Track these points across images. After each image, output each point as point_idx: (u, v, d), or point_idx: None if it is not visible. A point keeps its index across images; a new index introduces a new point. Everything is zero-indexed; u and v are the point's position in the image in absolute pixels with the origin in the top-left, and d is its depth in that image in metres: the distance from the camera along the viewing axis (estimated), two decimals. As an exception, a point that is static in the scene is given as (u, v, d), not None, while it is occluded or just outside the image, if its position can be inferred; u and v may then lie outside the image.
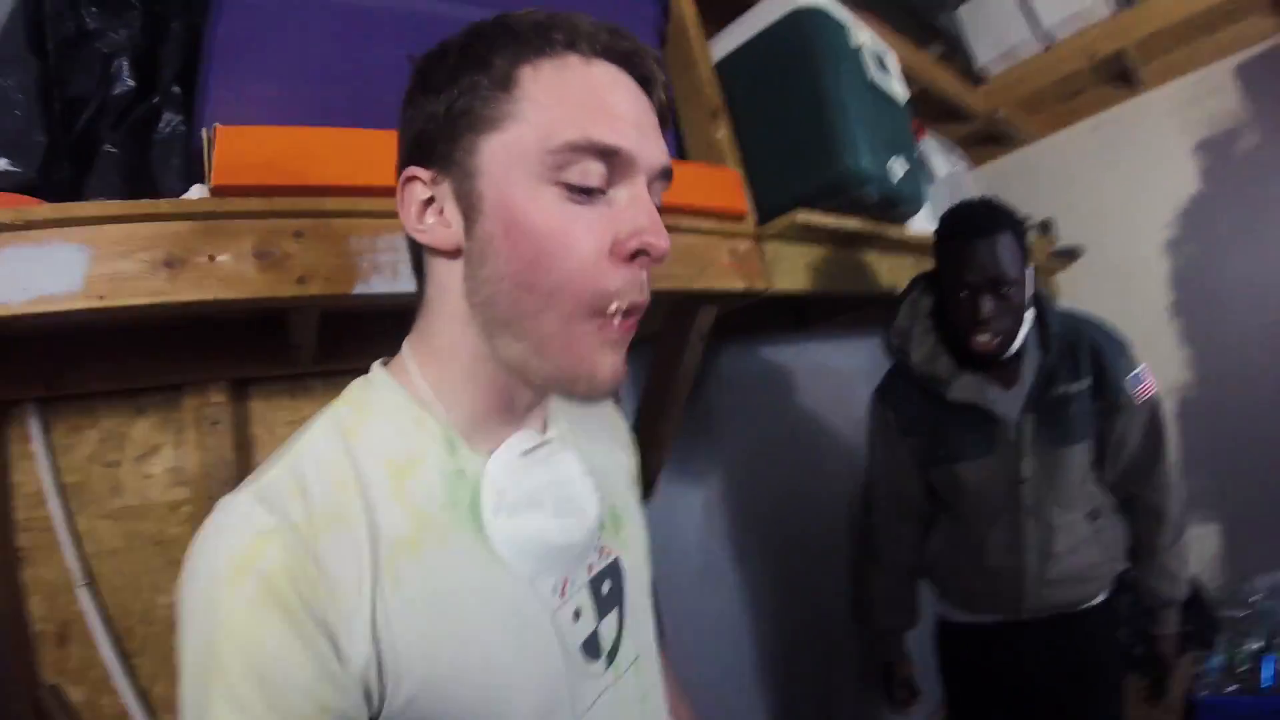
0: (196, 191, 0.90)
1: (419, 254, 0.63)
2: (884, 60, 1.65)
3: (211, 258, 0.84)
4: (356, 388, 0.63)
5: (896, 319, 1.64)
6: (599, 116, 0.55)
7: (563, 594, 0.62)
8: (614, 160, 0.55)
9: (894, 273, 1.94)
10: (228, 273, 0.84)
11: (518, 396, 0.62)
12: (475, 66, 0.56)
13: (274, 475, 0.55)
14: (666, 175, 0.61)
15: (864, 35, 1.59)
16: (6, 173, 0.95)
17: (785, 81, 1.49)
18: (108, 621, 1.19)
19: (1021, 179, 3.28)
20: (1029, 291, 1.46)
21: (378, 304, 0.96)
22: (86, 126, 1.07)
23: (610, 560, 0.68)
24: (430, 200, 0.59)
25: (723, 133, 1.48)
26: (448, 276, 0.60)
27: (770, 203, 1.48)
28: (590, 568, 0.66)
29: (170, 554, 1.26)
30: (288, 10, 0.98)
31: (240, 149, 0.86)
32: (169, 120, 1.12)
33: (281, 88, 0.97)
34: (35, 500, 1.17)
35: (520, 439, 0.62)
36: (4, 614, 1.11)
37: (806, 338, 2.33)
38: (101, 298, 0.80)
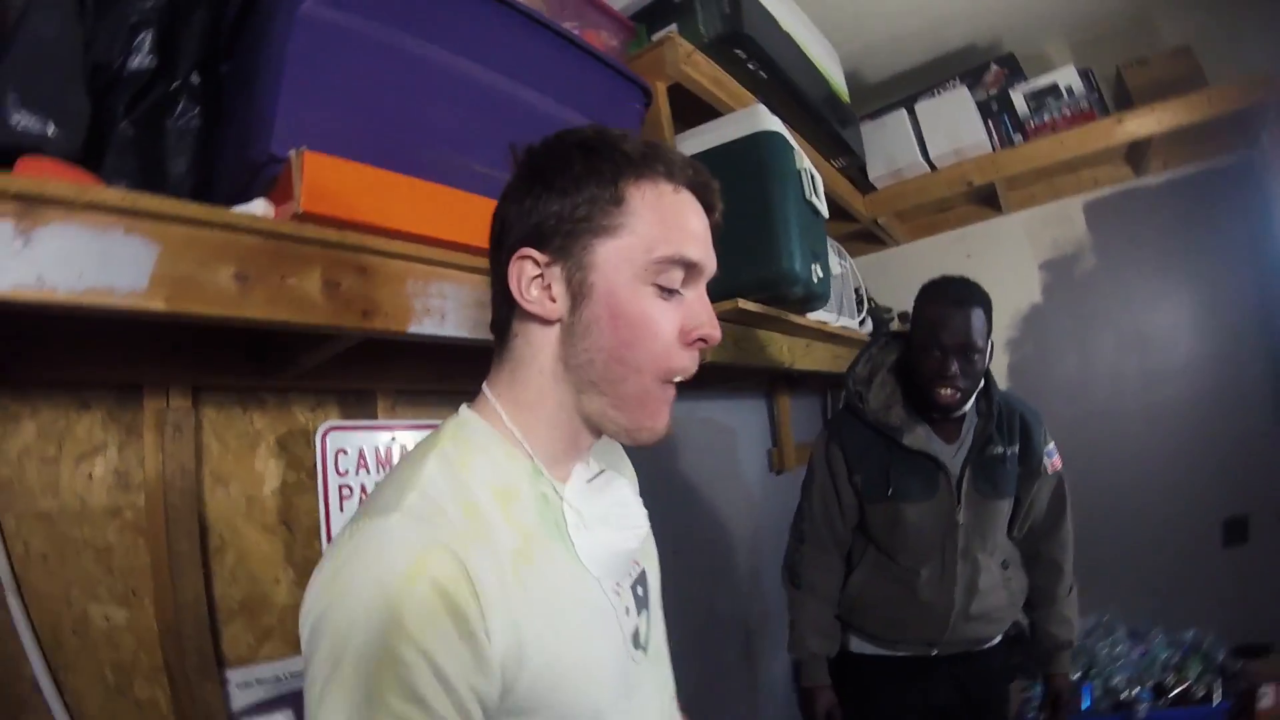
0: (261, 206, 0.91)
1: (509, 316, 0.75)
2: (815, 181, 1.92)
3: (284, 279, 0.86)
4: (453, 427, 0.74)
5: (856, 367, 1.85)
6: (686, 237, 0.71)
7: (618, 594, 0.76)
8: (691, 269, 0.72)
9: (792, 351, 2.19)
10: (299, 296, 0.87)
11: (582, 439, 0.76)
12: (596, 181, 0.70)
13: (412, 501, 0.64)
14: (714, 273, 0.77)
15: (805, 160, 1.87)
16: (50, 139, 0.88)
17: (742, 189, 1.72)
18: (35, 632, 1.09)
19: (889, 274, 3.63)
20: (987, 363, 1.67)
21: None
22: (102, 98, 1.02)
23: (640, 570, 0.84)
24: (538, 276, 0.71)
25: None
26: (542, 340, 0.73)
27: (713, 288, 1.67)
28: (631, 574, 0.81)
29: (107, 562, 1.19)
30: (359, 45, 1.02)
31: (325, 178, 0.90)
32: (186, 110, 1.11)
33: (343, 120, 1.01)
34: None
35: (582, 470, 0.77)
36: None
37: (698, 396, 2.51)
38: (167, 301, 0.78)
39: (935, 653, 1.78)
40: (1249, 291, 2.90)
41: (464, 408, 0.76)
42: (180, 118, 1.11)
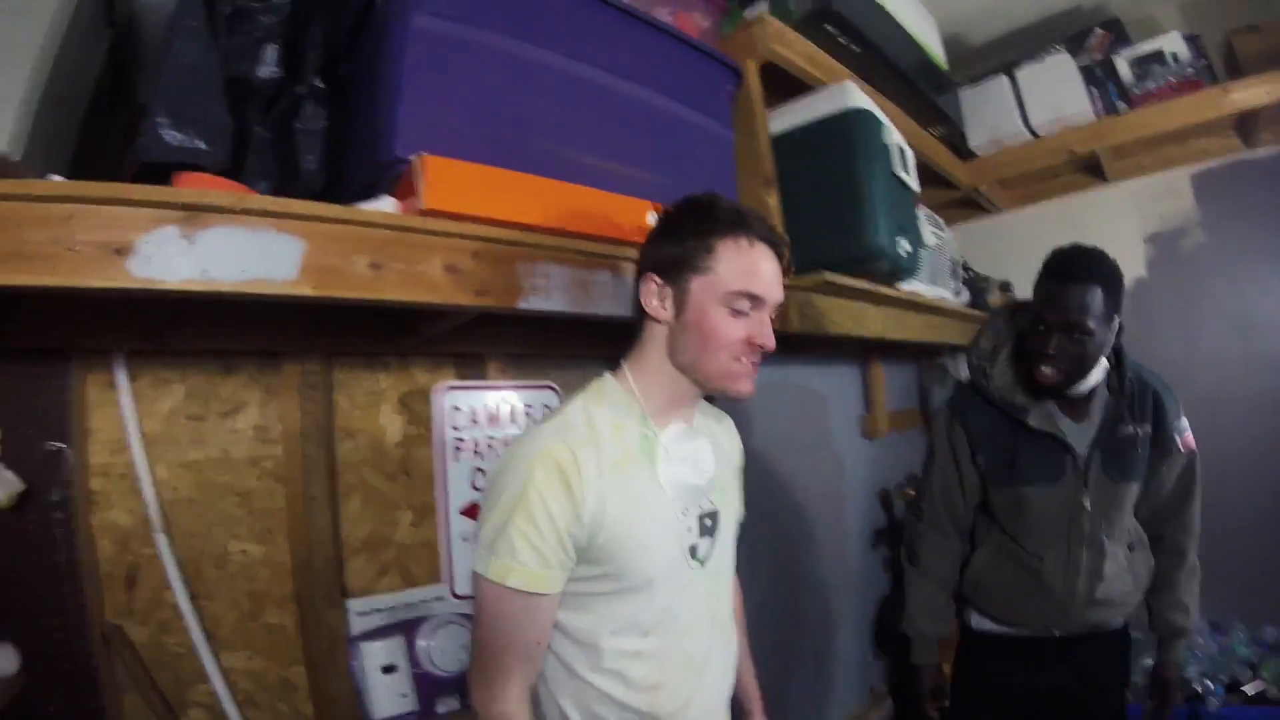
0: (389, 204, 1.04)
1: (641, 314, 1.06)
2: (905, 155, 1.92)
3: (410, 265, 0.99)
4: (596, 384, 1.08)
5: (979, 341, 1.77)
6: (754, 278, 1.01)
7: (684, 515, 1.07)
8: (755, 299, 1.01)
9: (885, 322, 2.20)
10: (424, 279, 1.00)
11: (683, 400, 1.09)
12: (696, 235, 1.01)
13: (556, 421, 1.01)
14: (779, 304, 1.06)
15: (895, 135, 1.86)
16: (202, 152, 1.02)
17: (829, 165, 1.77)
18: (180, 565, 1.27)
19: (989, 242, 3.61)
20: (1110, 342, 1.57)
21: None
22: (237, 107, 1.15)
23: (713, 509, 1.13)
24: (657, 293, 1.04)
25: (773, 199, 1.75)
26: (658, 333, 1.06)
27: (801, 260, 1.71)
28: (701, 507, 1.10)
29: (247, 505, 1.36)
30: (468, 52, 1.13)
31: (445, 178, 1.02)
32: (313, 113, 1.24)
33: (459, 121, 1.12)
34: (117, 447, 1.24)
35: (678, 425, 1.09)
36: (73, 555, 1.17)
37: (792, 361, 2.55)
38: (315, 287, 0.92)
39: (1057, 634, 1.71)
40: None
41: (606, 374, 1.09)
42: (308, 120, 1.25)
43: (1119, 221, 3.25)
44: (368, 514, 1.52)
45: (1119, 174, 3.22)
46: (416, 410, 1.59)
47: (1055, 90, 2.99)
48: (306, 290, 0.92)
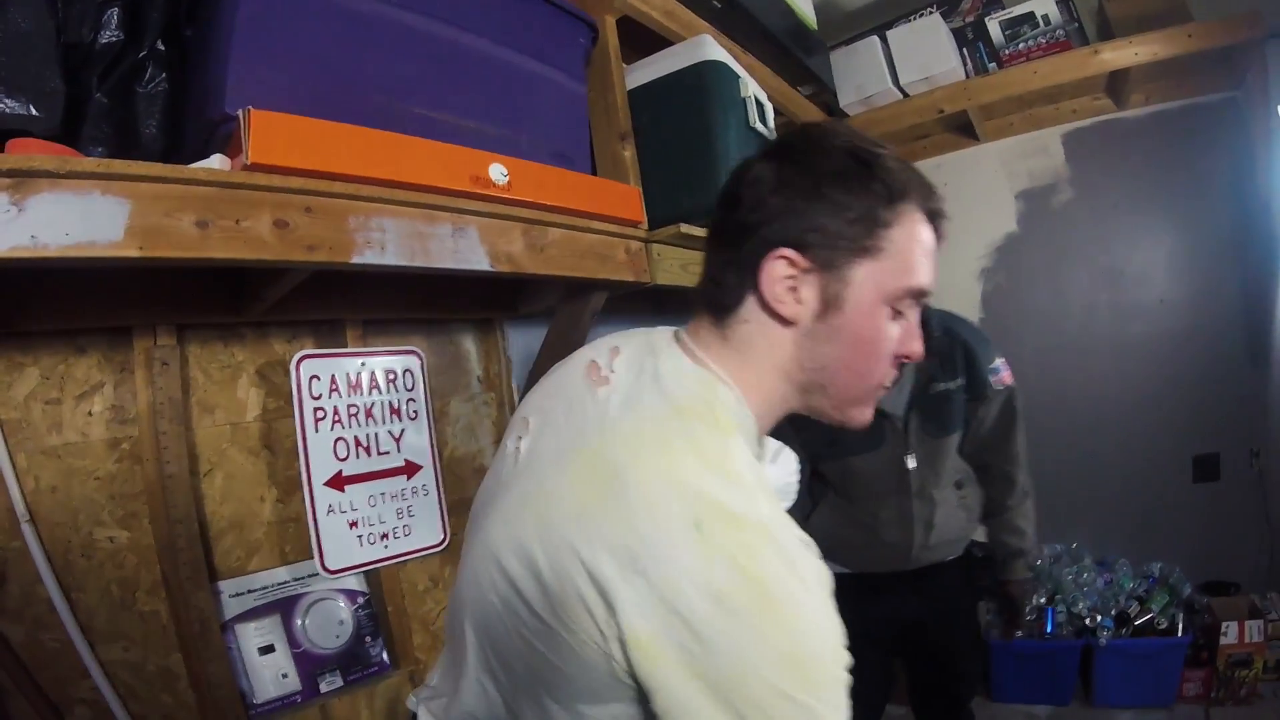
0: (217, 161, 1.03)
1: (742, 299, 0.77)
2: (764, 109, 1.96)
3: (237, 222, 0.98)
4: (708, 400, 0.72)
5: None
6: (928, 271, 0.76)
7: None
8: (923, 295, 0.77)
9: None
10: (252, 237, 0.99)
11: (775, 419, 0.81)
12: (872, 201, 0.72)
13: (765, 496, 0.67)
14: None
15: (751, 87, 1.90)
16: (33, 118, 0.99)
17: (685, 118, 1.79)
18: (48, 557, 1.24)
19: None
20: None
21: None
22: (77, 73, 1.12)
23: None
24: (790, 278, 0.73)
25: (629, 153, 1.77)
26: (778, 338, 0.76)
27: (658, 214, 1.77)
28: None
29: (109, 489, 1.33)
30: (301, 6, 1.13)
31: (271, 132, 1.01)
32: (153, 76, 1.21)
33: (289, 75, 1.11)
34: None
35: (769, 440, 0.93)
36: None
37: (662, 320, 2.58)
38: (141, 249, 0.90)
39: (900, 569, 1.80)
40: (1225, 231, 2.90)
41: (715, 383, 0.75)
42: (149, 84, 1.21)
43: (990, 179, 3.39)
44: (232, 492, 1.51)
45: (991, 134, 3.35)
46: (275, 382, 1.58)
47: (925, 50, 3.08)
48: (132, 251, 0.90)
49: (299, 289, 1.31)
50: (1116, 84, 2.98)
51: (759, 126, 1.90)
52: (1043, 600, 2.87)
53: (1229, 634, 2.57)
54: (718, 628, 0.57)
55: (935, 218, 0.77)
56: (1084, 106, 3.17)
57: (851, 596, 1.77)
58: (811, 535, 1.64)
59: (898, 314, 0.75)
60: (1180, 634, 2.64)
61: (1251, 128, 2.77)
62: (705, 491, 0.62)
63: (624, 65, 1.83)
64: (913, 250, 0.74)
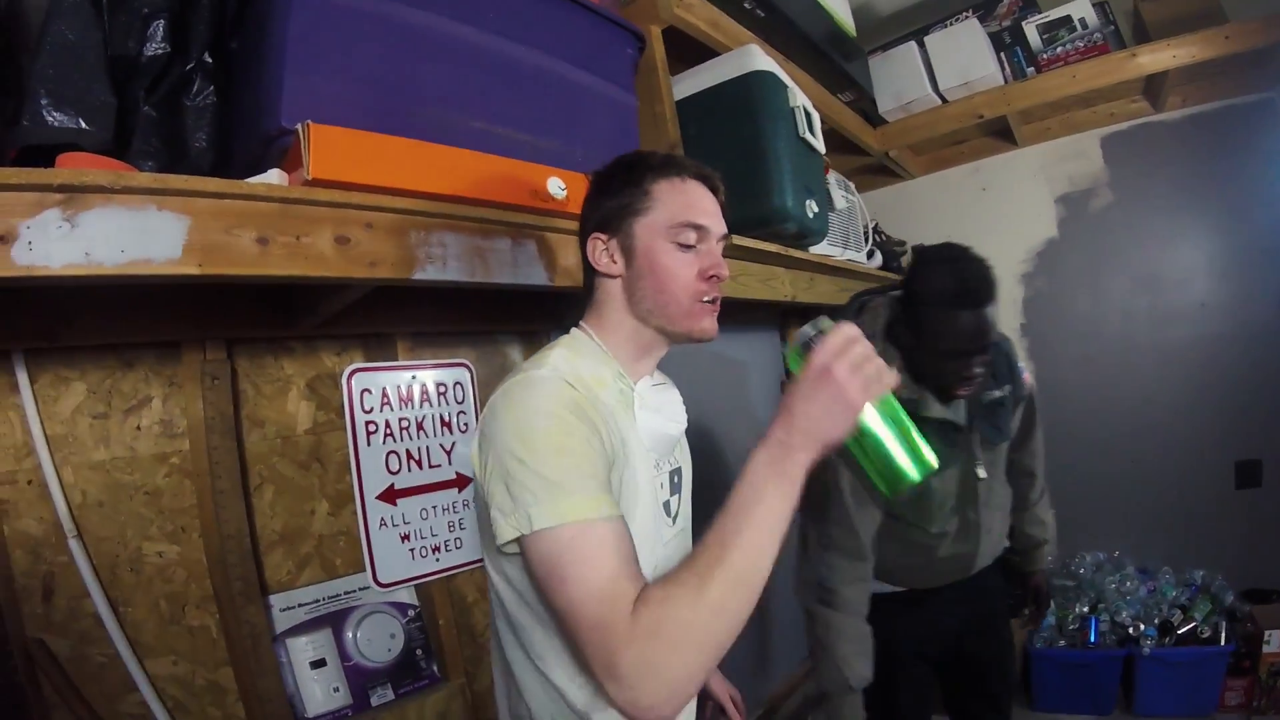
0: (276, 176, 1.01)
1: (592, 276, 1.06)
2: (811, 118, 1.93)
3: (298, 238, 0.96)
4: (567, 339, 1.05)
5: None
6: (693, 209, 1.01)
7: (658, 469, 1.06)
8: (700, 231, 1.01)
9: (794, 284, 2.23)
10: (313, 253, 0.97)
11: (650, 350, 1.06)
12: (631, 183, 1.02)
13: (547, 369, 0.94)
14: (726, 237, 1.07)
15: (800, 98, 1.88)
16: (83, 132, 0.98)
17: (735, 128, 1.78)
18: (96, 571, 1.23)
19: (901, 208, 3.71)
20: None
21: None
22: (124, 86, 1.11)
23: (677, 465, 1.13)
24: (604, 248, 1.03)
25: None
26: (613, 289, 1.04)
27: None
28: (670, 463, 1.10)
29: (157, 503, 1.32)
30: (355, 19, 1.11)
31: (331, 146, 0.99)
32: (202, 89, 1.19)
33: (346, 87, 1.10)
34: (20, 452, 1.19)
35: (650, 377, 1.07)
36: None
37: None
38: (200, 266, 0.89)
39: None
40: (1266, 234, 2.86)
41: (574, 329, 1.07)
42: (196, 96, 1.20)
43: (1028, 183, 3.36)
44: (282, 506, 1.49)
45: (1028, 138, 3.33)
46: (325, 395, 1.56)
47: (963, 56, 3.06)
48: (191, 269, 0.88)
49: (350, 303, 1.30)
50: (1153, 86, 2.96)
51: (808, 136, 1.88)
52: (1086, 609, 2.84)
53: (1272, 642, 2.53)
54: (487, 424, 0.91)
55: (685, 172, 1.04)
56: (1121, 109, 3.16)
57: (898, 614, 1.74)
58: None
59: (685, 247, 1.00)
60: (1222, 643, 2.61)
61: None
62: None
63: (670, 76, 1.82)
64: (670, 201, 1.01)
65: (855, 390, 0.79)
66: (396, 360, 1.62)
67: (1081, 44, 2.94)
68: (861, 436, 0.84)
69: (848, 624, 1.57)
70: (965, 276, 1.50)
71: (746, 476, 0.80)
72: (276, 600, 1.46)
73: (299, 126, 0.98)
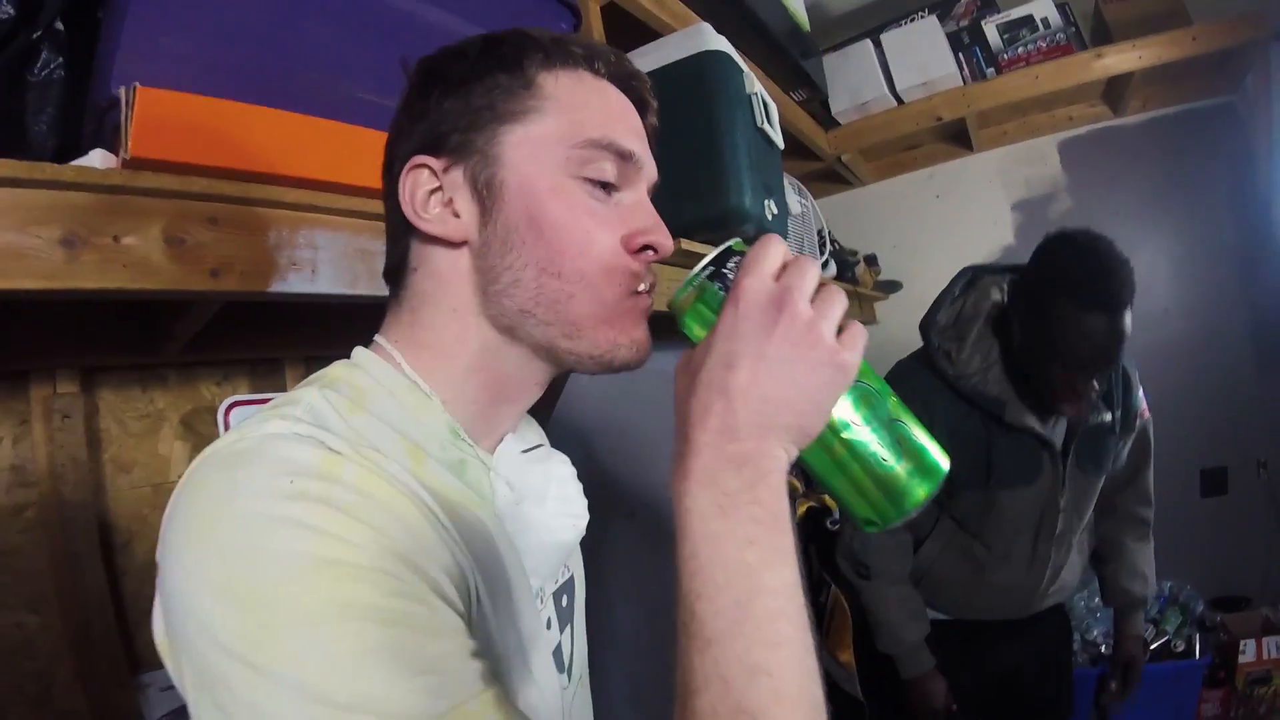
0: (99, 159, 0.77)
1: (406, 247, 0.62)
2: (769, 108, 1.75)
3: (116, 239, 0.73)
4: (340, 368, 0.60)
5: (938, 316, 1.50)
6: (616, 124, 0.60)
7: (541, 601, 0.63)
8: (627, 164, 0.60)
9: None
10: (135, 258, 0.74)
11: (515, 393, 0.62)
12: (497, 65, 0.58)
13: (298, 422, 0.50)
14: (657, 186, 0.66)
15: (756, 85, 1.69)
16: None
17: (686, 115, 1.54)
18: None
19: (855, 216, 3.63)
20: None
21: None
22: None
23: (569, 576, 0.71)
24: (436, 189, 0.58)
25: None
26: (450, 268, 0.59)
27: None
28: (558, 579, 0.68)
29: (13, 566, 1.10)
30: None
31: (162, 116, 0.76)
32: (47, 61, 0.98)
33: (200, 46, 0.87)
34: None
35: (513, 439, 0.63)
36: None
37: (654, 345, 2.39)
38: None
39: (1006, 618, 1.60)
40: (1229, 237, 2.87)
41: (358, 350, 0.62)
42: (41, 70, 0.98)
43: (984, 190, 3.32)
44: (156, 567, 1.25)
45: (985, 142, 3.28)
46: (204, 433, 1.32)
47: (921, 55, 2.97)
48: (-29, 280, 0.66)
49: (223, 322, 1.07)
50: (1115, 89, 2.93)
51: (766, 128, 1.69)
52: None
53: (1247, 651, 2.53)
54: (163, 563, 0.47)
55: (597, 63, 0.62)
56: (1080, 113, 3.13)
57: (948, 647, 1.53)
58: (916, 572, 1.41)
59: (602, 189, 0.59)
60: (1198, 655, 2.58)
61: (1251, 131, 2.74)
62: None
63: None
64: (581, 105, 0.59)
65: (832, 336, 0.46)
66: (285, 390, 1.38)
67: (1044, 44, 2.89)
68: (834, 435, 0.49)
69: (889, 589, 1.56)
70: (1108, 272, 1.30)
71: (686, 535, 0.42)
72: (152, 679, 1.22)
73: (121, 90, 0.75)
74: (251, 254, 0.84)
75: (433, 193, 0.58)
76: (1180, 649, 2.59)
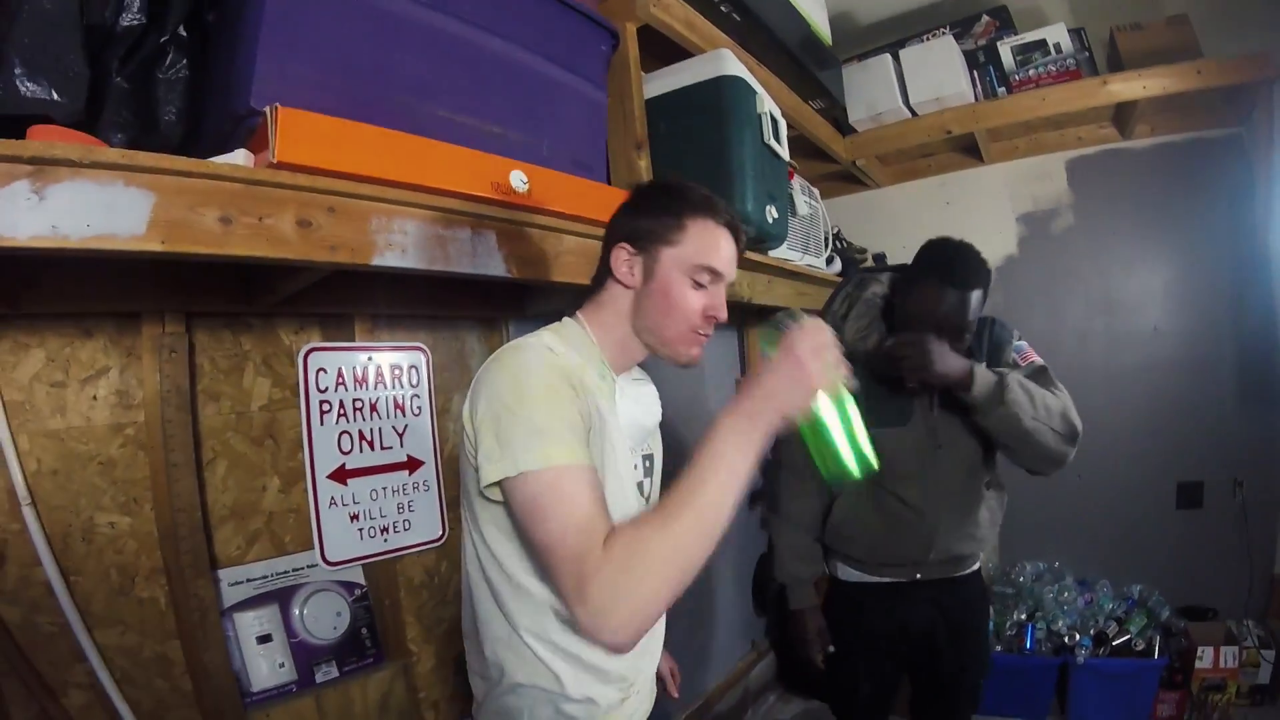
0: (242, 157, 1.02)
1: (605, 276, 1.14)
2: (778, 125, 1.98)
3: (260, 219, 0.98)
4: (557, 325, 1.14)
5: (833, 305, 1.81)
6: (716, 255, 1.09)
7: (633, 452, 1.15)
8: (716, 276, 1.10)
9: (751, 286, 2.30)
10: (274, 235, 0.99)
11: (634, 355, 1.16)
12: (669, 212, 1.09)
13: (536, 343, 1.03)
14: (730, 282, 1.14)
15: (768, 104, 1.92)
16: (55, 103, 0.98)
17: (701, 131, 1.81)
18: (48, 540, 1.23)
19: (869, 215, 3.77)
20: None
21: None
22: (98, 57, 1.10)
23: (650, 451, 1.24)
24: (626, 260, 1.10)
25: (644, 162, 1.80)
26: (622, 296, 1.12)
27: None
28: (643, 449, 1.20)
29: (111, 474, 1.32)
30: (331, 2, 1.13)
31: (297, 130, 1.01)
32: (174, 62, 1.19)
33: (318, 71, 1.11)
34: None
35: (631, 372, 1.18)
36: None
37: None
38: (163, 243, 0.90)
39: (918, 576, 1.80)
40: (1224, 265, 2.95)
41: (566, 319, 1.16)
42: (169, 69, 1.19)
43: (992, 200, 3.43)
44: (234, 481, 1.50)
45: (995, 156, 3.40)
46: (281, 372, 1.57)
47: (937, 71, 3.10)
48: (154, 245, 0.90)
49: (310, 284, 1.32)
50: (1123, 114, 3.02)
51: (772, 143, 1.91)
52: (1023, 616, 2.92)
53: (1204, 658, 2.62)
54: (479, 380, 1.00)
55: (718, 218, 1.11)
56: (1089, 134, 3.23)
57: (866, 607, 1.83)
58: (834, 527, 1.75)
59: (698, 285, 1.09)
60: (1156, 656, 2.69)
61: (1254, 164, 2.81)
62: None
63: (642, 74, 1.85)
64: (700, 242, 1.08)
65: (814, 371, 0.91)
66: (354, 341, 1.63)
67: (1054, 68, 3.00)
68: (814, 422, 0.95)
69: (787, 528, 1.89)
70: (964, 262, 1.63)
71: (714, 435, 0.89)
72: (225, 575, 1.47)
73: (267, 109, 0.99)
74: (359, 236, 1.10)
75: (625, 261, 1.10)
76: (1140, 648, 2.69)
